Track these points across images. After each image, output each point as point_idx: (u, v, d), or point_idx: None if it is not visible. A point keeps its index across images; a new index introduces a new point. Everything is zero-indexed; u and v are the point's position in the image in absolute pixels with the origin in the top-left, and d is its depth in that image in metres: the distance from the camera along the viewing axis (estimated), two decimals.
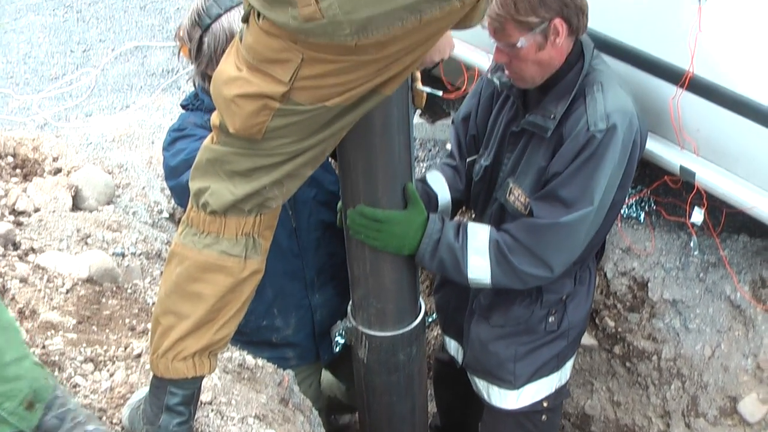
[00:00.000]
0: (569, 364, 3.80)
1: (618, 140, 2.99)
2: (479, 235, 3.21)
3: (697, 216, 3.76)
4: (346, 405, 4.87)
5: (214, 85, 2.26)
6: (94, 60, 7.53)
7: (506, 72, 3.23)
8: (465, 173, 3.70)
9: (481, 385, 3.80)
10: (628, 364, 4.70)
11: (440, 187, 3.65)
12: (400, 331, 3.37)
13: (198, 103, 3.45)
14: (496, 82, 3.36)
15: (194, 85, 3.47)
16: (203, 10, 3.18)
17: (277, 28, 1.97)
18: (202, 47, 3.20)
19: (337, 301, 3.78)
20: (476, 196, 3.64)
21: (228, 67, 2.19)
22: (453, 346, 4.08)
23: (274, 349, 3.78)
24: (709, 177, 3.64)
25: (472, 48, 4.54)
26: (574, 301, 3.57)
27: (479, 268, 3.20)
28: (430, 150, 6.01)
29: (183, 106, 3.55)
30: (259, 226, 2.46)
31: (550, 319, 3.55)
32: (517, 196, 3.29)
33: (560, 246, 3.14)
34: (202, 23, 3.18)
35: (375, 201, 2.99)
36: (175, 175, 3.33)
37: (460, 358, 4.01)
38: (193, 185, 2.42)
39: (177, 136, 3.41)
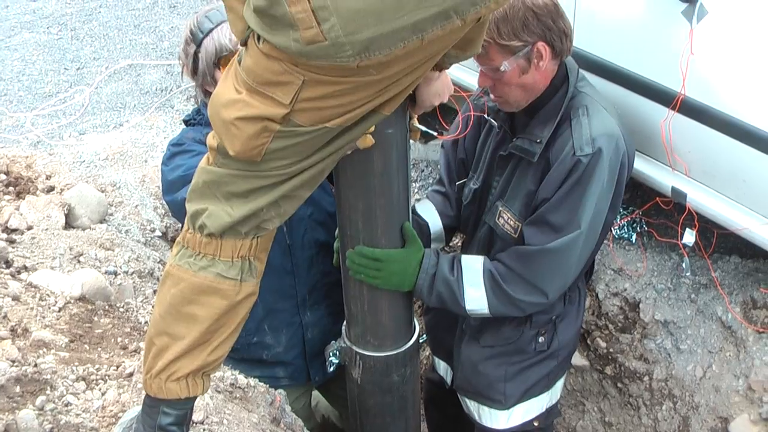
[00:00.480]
0: (560, 384, 3.80)
1: (604, 164, 3.00)
2: (473, 267, 3.23)
3: (689, 237, 3.77)
4: (340, 429, 4.86)
5: (211, 107, 2.24)
6: (88, 78, 7.54)
7: (491, 96, 3.24)
8: (455, 197, 3.71)
9: (472, 406, 3.80)
10: (619, 384, 4.71)
11: (430, 215, 3.67)
12: (395, 352, 3.37)
13: (199, 118, 3.50)
14: (483, 106, 3.39)
15: (196, 101, 3.51)
16: (196, 26, 3.26)
17: (277, 51, 1.96)
18: (198, 63, 3.26)
19: (329, 321, 3.78)
20: (466, 219, 3.66)
21: (226, 89, 2.17)
22: (443, 367, 4.08)
23: (265, 367, 3.78)
24: (701, 198, 3.66)
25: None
26: (564, 321, 3.56)
27: (476, 300, 3.22)
28: (422, 170, 6.03)
29: (185, 122, 3.58)
30: (255, 249, 2.44)
31: (539, 339, 3.53)
32: (506, 219, 3.31)
33: (552, 272, 3.15)
34: (195, 39, 3.25)
35: (374, 241, 3.03)
36: (172, 191, 3.35)
37: (449, 379, 4.01)
38: (190, 207, 2.40)
39: (175, 151, 3.43)
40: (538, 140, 3.12)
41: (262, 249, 2.49)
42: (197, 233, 2.38)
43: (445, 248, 4.25)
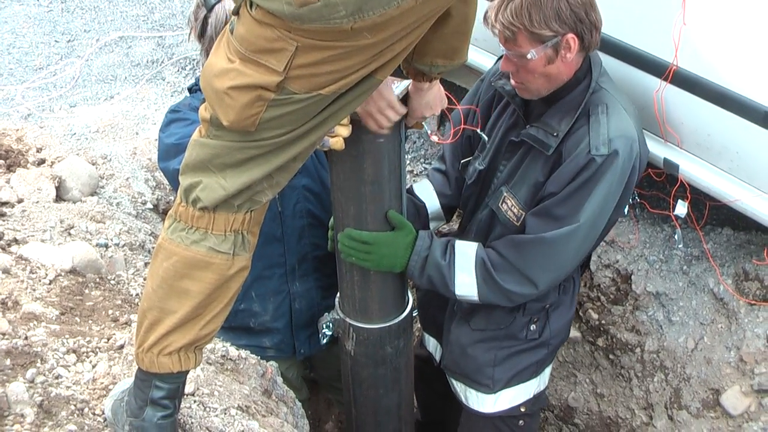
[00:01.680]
0: (548, 370, 3.82)
1: (617, 166, 2.99)
2: (466, 254, 3.24)
3: (681, 209, 3.77)
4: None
5: (203, 78, 2.24)
6: (79, 50, 7.49)
7: (511, 81, 3.21)
8: (456, 176, 3.70)
9: (459, 388, 3.80)
10: (611, 356, 4.72)
11: (428, 195, 3.69)
12: (388, 324, 3.38)
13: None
14: (501, 89, 3.35)
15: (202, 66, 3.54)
16: None
17: (270, 16, 1.95)
18: (207, 27, 3.29)
19: (317, 294, 3.79)
20: (467, 199, 3.63)
21: (219, 59, 2.16)
22: (432, 344, 4.10)
23: (252, 336, 3.79)
24: (693, 170, 3.65)
25: None
26: (558, 310, 3.56)
27: (466, 286, 3.23)
28: (414, 142, 6.02)
29: (189, 89, 3.62)
30: (248, 222, 2.43)
31: (531, 327, 3.53)
32: (510, 206, 3.29)
33: (545, 263, 3.15)
34: (207, 4, 3.27)
35: (363, 226, 3.10)
36: (166, 159, 3.43)
37: (438, 357, 4.02)
38: (184, 180, 2.38)
39: (172, 118, 3.49)
40: (555, 133, 3.10)
41: (255, 223, 2.48)
42: (190, 207, 2.37)
43: (445, 226, 4.24)
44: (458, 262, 3.21)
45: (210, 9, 3.27)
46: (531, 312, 3.49)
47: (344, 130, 2.75)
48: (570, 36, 2.94)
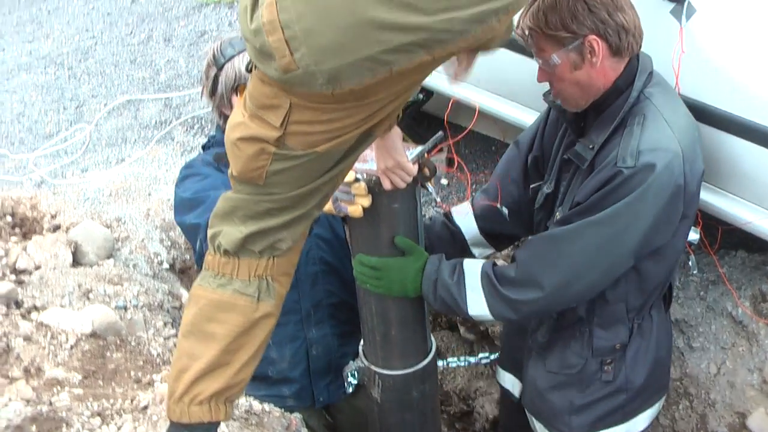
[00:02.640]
0: (644, 416, 3.55)
1: (653, 181, 2.81)
2: (473, 271, 3.15)
3: (693, 235, 3.76)
4: None
5: (225, 131, 2.33)
6: (88, 116, 7.56)
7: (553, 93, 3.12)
8: (520, 198, 3.55)
9: (539, 428, 3.69)
10: None
11: (464, 221, 3.61)
12: (413, 369, 3.38)
13: (213, 141, 3.67)
14: (551, 103, 3.25)
15: (216, 126, 3.69)
16: (219, 51, 3.40)
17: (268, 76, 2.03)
18: (217, 85, 3.40)
19: (333, 341, 3.79)
20: (538, 225, 3.47)
21: (235, 113, 2.26)
22: (508, 380, 3.97)
23: (271, 385, 3.80)
24: (702, 195, 3.66)
25: None
26: (636, 354, 3.33)
27: (477, 304, 3.14)
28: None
29: (203, 147, 3.71)
30: (272, 269, 2.48)
31: (605, 369, 3.33)
32: (555, 222, 3.18)
33: (551, 260, 3.00)
34: (217, 63, 3.39)
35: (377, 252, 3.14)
36: (180, 213, 3.51)
37: (517, 393, 3.90)
38: (210, 231, 2.47)
39: (186, 174, 3.58)
40: (591, 146, 2.99)
41: (281, 272, 2.52)
42: (216, 254, 2.45)
43: (497, 255, 4.21)
44: (468, 281, 3.14)
45: (220, 68, 3.37)
46: (602, 353, 3.31)
47: (365, 201, 2.88)
48: (592, 38, 2.83)
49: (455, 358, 4.11)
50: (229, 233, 2.40)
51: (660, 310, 3.40)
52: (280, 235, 2.41)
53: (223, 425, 2.95)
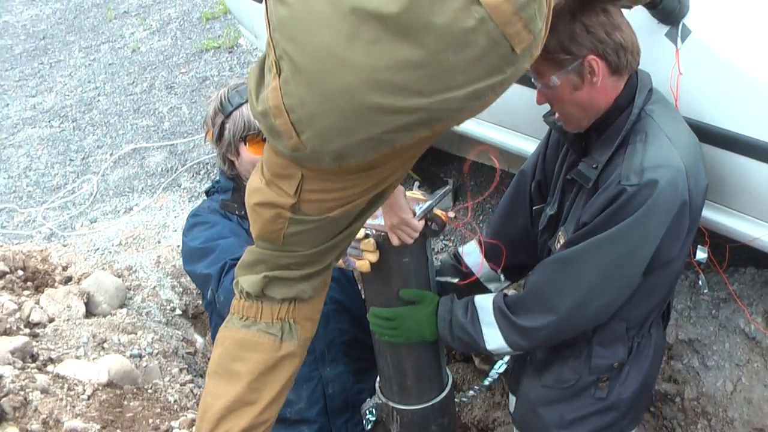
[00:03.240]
0: None
1: (658, 198, 2.77)
2: (485, 307, 3.14)
3: (701, 254, 3.76)
4: None
5: (246, 195, 2.42)
6: (94, 166, 7.61)
7: (556, 115, 3.09)
8: (513, 231, 3.54)
9: None
10: (652, 408, 4.69)
11: (472, 259, 3.59)
12: (431, 403, 3.38)
13: (217, 186, 3.69)
14: (552, 125, 3.22)
15: (219, 169, 3.70)
16: (226, 98, 3.46)
17: None
18: (224, 132, 3.44)
19: (349, 378, 3.80)
20: (542, 246, 3.43)
21: (254, 179, 2.34)
22: (512, 402, 3.87)
23: (290, 426, 3.79)
24: (708, 214, 3.66)
25: None
26: (630, 373, 3.30)
27: (494, 339, 3.12)
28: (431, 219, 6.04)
29: (206, 192, 3.72)
30: (294, 312, 2.55)
31: (600, 385, 3.30)
32: (561, 245, 3.15)
33: (563, 283, 2.97)
34: (224, 110, 3.43)
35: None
36: (191, 262, 3.52)
37: (511, 408, 3.85)
38: (237, 277, 2.55)
39: (193, 222, 3.60)
40: (595, 165, 2.96)
41: (303, 316, 2.59)
42: (241, 298, 2.54)
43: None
44: (482, 317, 3.13)
45: (228, 115, 3.42)
46: (598, 370, 3.27)
47: (372, 256, 2.95)
48: (591, 57, 2.79)
49: (470, 391, 4.11)
50: (252, 279, 2.47)
51: (659, 328, 3.39)
52: (301, 286, 2.49)
53: None
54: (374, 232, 2.95)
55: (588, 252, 2.91)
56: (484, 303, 3.17)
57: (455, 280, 3.37)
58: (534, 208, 3.47)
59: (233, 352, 2.51)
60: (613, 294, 3.00)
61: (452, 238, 5.68)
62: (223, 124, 3.43)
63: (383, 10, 1.77)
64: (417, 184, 3.10)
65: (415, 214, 2.92)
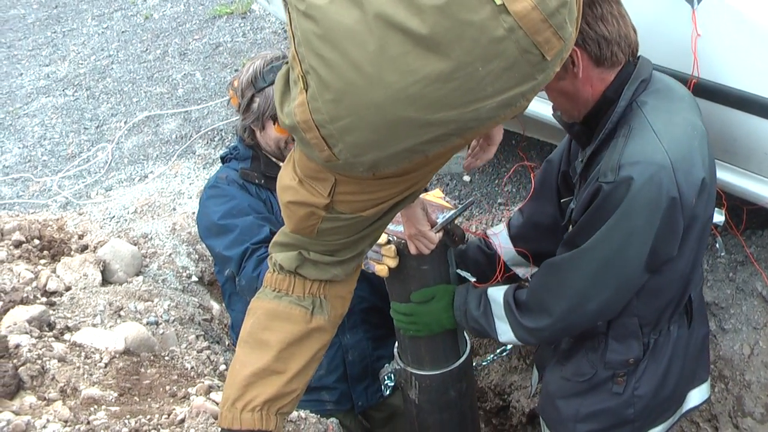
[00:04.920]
0: (655, 431, 3.44)
1: (634, 196, 2.68)
2: (497, 300, 3.15)
3: (718, 217, 3.72)
4: None
5: (277, 188, 2.46)
6: (108, 135, 7.62)
7: None
8: (540, 219, 3.48)
9: None
10: None
11: (501, 242, 3.55)
12: (449, 368, 3.39)
13: (235, 153, 3.70)
14: (558, 119, 3.16)
15: (237, 137, 3.72)
16: (260, 73, 3.46)
17: None
18: (252, 106, 3.47)
19: (368, 345, 3.82)
20: None
21: (286, 174, 2.38)
22: (535, 375, 3.86)
23: (310, 392, 3.80)
24: (725, 177, 3.64)
25: None
26: (647, 370, 3.23)
27: (505, 333, 3.14)
28: (447, 184, 6.04)
29: (222, 158, 3.72)
30: (325, 289, 2.60)
31: (617, 380, 3.25)
32: (560, 243, 3.10)
33: (556, 288, 2.96)
34: (256, 85, 3.45)
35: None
36: (208, 236, 3.58)
37: (534, 385, 3.87)
38: (271, 254, 2.62)
39: (212, 194, 3.63)
40: (581, 159, 2.96)
41: (335, 294, 2.65)
42: (274, 272, 2.60)
43: None
44: (494, 310, 3.15)
45: (259, 90, 3.45)
46: (613, 366, 3.21)
47: (392, 262, 3.05)
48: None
49: (489, 357, 4.11)
50: (287, 255, 2.53)
51: (682, 326, 3.27)
52: (334, 270, 2.55)
53: None
54: (395, 238, 3.01)
55: (575, 259, 2.88)
56: (497, 296, 3.17)
57: (473, 279, 3.33)
58: (562, 201, 3.41)
59: (264, 321, 2.56)
60: (610, 293, 2.94)
61: None
62: (253, 96, 3.46)
63: (410, 23, 1.77)
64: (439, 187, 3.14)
65: (435, 224, 3.00)
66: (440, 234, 2.98)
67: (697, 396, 3.49)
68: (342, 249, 2.49)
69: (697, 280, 3.22)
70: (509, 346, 3.99)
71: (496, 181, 5.78)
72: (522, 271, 3.60)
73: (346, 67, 1.83)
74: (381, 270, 3.05)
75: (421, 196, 2.98)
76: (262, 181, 3.57)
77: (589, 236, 2.80)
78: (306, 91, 1.92)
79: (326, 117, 1.90)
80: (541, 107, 4.41)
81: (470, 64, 1.80)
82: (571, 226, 3.10)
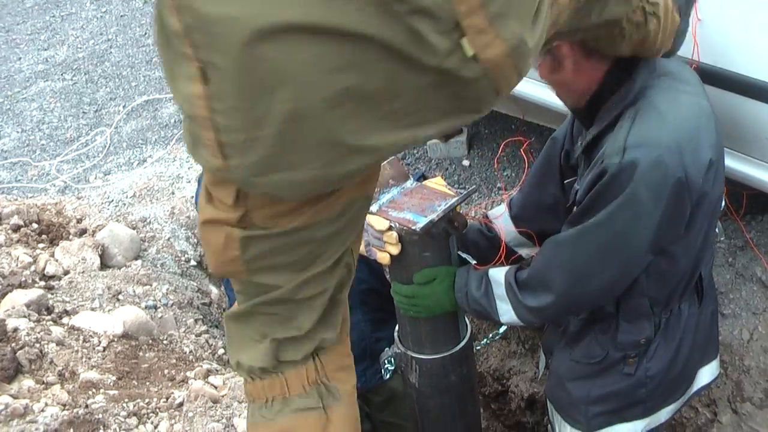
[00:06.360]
0: (666, 410, 3.41)
1: (639, 180, 2.63)
2: (498, 281, 3.10)
3: None
4: None
5: None
6: (107, 119, 7.61)
7: None
8: (542, 199, 3.42)
9: (556, 419, 3.68)
10: None
11: (501, 223, 3.50)
12: (450, 352, 3.38)
13: None
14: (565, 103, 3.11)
15: None
16: None
17: None
18: None
19: (367, 327, 3.81)
20: None
21: (202, 191, 1.76)
22: (542, 360, 3.89)
23: None
24: (726, 162, 3.63)
25: None
26: (658, 349, 3.20)
27: (507, 313, 3.09)
28: (446, 168, 6.03)
29: None
30: (323, 369, 1.99)
31: (628, 361, 3.21)
32: (564, 222, 3.05)
33: (559, 266, 2.91)
34: None
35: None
36: None
37: (541, 369, 3.86)
38: (232, 359, 1.99)
39: None
40: (579, 142, 2.94)
41: (336, 368, 2.03)
42: (254, 380, 1.99)
43: None
44: (495, 291, 3.10)
45: None
46: (625, 347, 3.18)
47: (394, 249, 2.92)
48: (557, 42, 2.71)
49: (483, 340, 4.13)
50: (257, 352, 1.92)
51: (692, 304, 3.23)
52: (318, 334, 1.94)
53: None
54: (398, 225, 2.93)
55: (579, 236, 2.84)
56: (498, 276, 3.12)
57: (474, 262, 3.32)
58: (566, 182, 3.36)
59: None
60: (613, 272, 2.91)
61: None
62: None
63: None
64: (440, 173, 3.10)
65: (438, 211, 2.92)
66: (441, 221, 2.94)
67: (707, 373, 3.48)
68: (301, 298, 1.83)
69: (708, 258, 3.18)
70: (502, 329, 4.01)
71: (495, 166, 5.78)
72: (526, 252, 3.56)
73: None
74: (383, 258, 2.97)
75: (424, 182, 2.96)
76: None
77: (593, 217, 2.77)
78: (206, 85, 1.36)
79: (230, 124, 1.38)
80: (541, 92, 4.41)
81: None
82: (575, 207, 3.10)
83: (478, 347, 4.13)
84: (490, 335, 4.14)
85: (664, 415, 3.42)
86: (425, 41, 1.31)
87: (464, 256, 3.21)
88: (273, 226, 1.67)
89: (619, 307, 3.12)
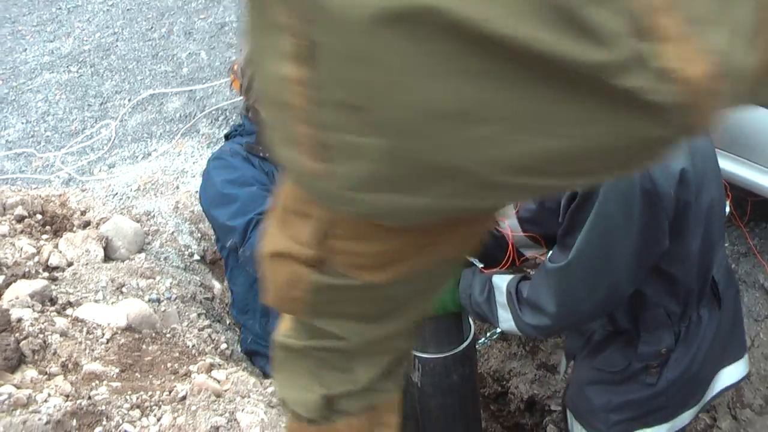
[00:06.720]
0: (689, 413, 3.40)
1: (606, 193, 2.61)
2: (501, 288, 3.10)
3: None
4: None
5: None
6: (112, 112, 7.61)
7: None
8: (556, 200, 3.45)
9: (575, 427, 3.58)
10: None
11: (509, 224, 3.48)
12: (452, 352, 3.39)
13: (240, 130, 3.71)
14: None
15: (241, 116, 3.73)
16: None
17: None
18: (254, 84, 3.41)
19: None
20: None
21: (272, 212, 1.48)
22: (562, 364, 3.82)
23: None
24: (730, 168, 3.64)
25: None
26: (679, 357, 3.19)
27: (507, 321, 3.08)
28: None
29: (226, 136, 3.73)
30: (375, 417, 1.74)
31: (651, 371, 3.20)
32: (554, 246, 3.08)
33: (551, 292, 2.88)
34: None
35: None
36: (209, 205, 3.60)
37: (561, 370, 3.81)
38: (279, 393, 1.82)
39: (214, 165, 3.64)
40: None
41: (384, 410, 1.76)
42: (301, 422, 1.74)
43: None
44: (497, 298, 3.10)
45: None
46: (645, 357, 3.17)
47: None
48: None
49: (481, 339, 4.13)
50: (306, 401, 1.67)
51: (712, 309, 3.21)
52: (375, 389, 1.66)
53: (262, 414, 2.98)
54: None
55: (564, 270, 2.82)
56: (501, 284, 3.12)
57: (481, 265, 3.32)
58: None
59: None
60: (603, 293, 2.88)
61: None
62: (253, 76, 3.41)
63: None
64: None
65: None
66: None
67: (732, 374, 3.44)
68: (363, 343, 1.54)
69: (719, 261, 3.16)
70: (499, 329, 4.01)
71: None
72: (534, 252, 3.57)
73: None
74: None
75: None
76: (267, 153, 3.57)
77: (574, 238, 2.74)
78: (311, 67, 1.04)
79: (339, 122, 1.06)
80: None
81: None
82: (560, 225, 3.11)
83: (478, 347, 4.14)
84: (488, 334, 4.15)
85: (686, 418, 3.40)
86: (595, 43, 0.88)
87: (470, 258, 3.21)
88: (352, 276, 1.35)
89: (637, 318, 3.11)
